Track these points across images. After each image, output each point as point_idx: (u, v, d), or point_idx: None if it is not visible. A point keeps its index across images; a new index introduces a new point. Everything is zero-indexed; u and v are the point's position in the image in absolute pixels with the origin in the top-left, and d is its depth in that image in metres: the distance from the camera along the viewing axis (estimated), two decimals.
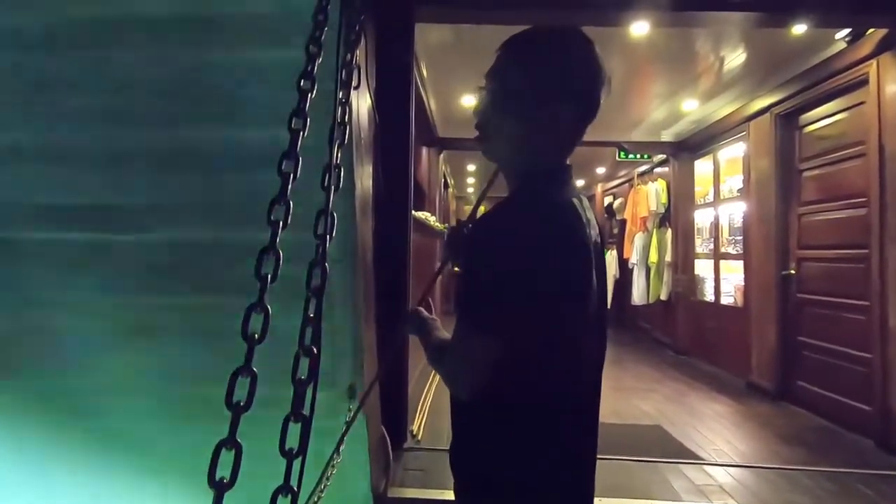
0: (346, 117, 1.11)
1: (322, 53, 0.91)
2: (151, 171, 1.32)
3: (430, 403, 3.08)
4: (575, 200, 0.80)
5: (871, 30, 2.48)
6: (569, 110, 0.79)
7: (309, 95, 0.85)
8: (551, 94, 0.77)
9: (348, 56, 1.16)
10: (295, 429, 0.78)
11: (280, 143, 0.85)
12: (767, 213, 3.52)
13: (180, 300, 1.42)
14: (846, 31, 2.52)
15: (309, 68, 0.87)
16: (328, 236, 0.96)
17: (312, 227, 0.94)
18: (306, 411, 0.81)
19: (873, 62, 2.55)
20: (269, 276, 0.72)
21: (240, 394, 0.64)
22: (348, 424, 1.13)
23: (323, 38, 0.92)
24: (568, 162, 0.85)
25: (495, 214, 0.76)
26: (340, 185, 1.03)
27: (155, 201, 1.35)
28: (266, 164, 0.89)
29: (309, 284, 0.89)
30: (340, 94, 1.11)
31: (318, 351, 0.87)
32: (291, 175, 0.79)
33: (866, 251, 2.68)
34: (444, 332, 0.93)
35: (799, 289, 3.30)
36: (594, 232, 0.81)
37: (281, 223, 0.75)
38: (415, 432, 2.49)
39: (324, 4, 0.92)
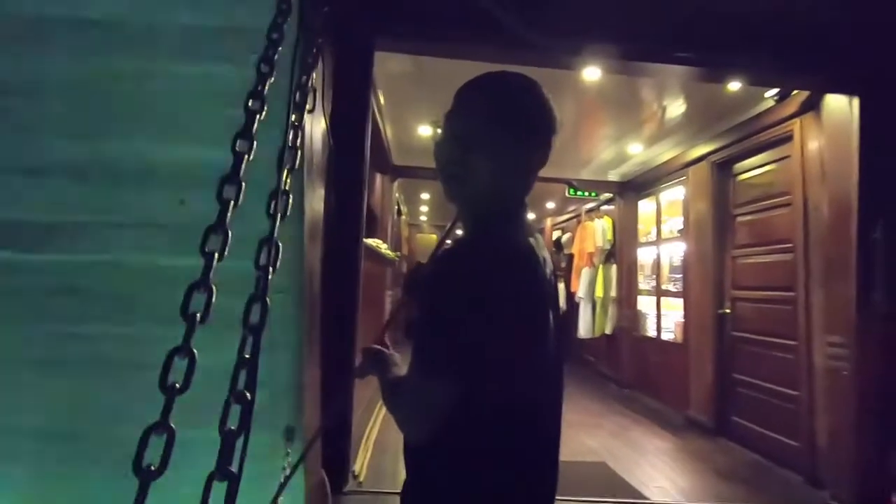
0: (298, 141, 1.06)
1: (274, 73, 0.86)
2: (68, 184, 1.20)
3: (375, 439, 2.94)
4: (531, 240, 0.81)
5: (795, 91, 2.71)
6: (532, 151, 0.81)
7: (258, 117, 0.79)
8: (517, 135, 0.79)
9: (303, 78, 1.11)
10: (221, 486, 0.69)
11: (221, 166, 0.79)
12: (705, 253, 3.70)
13: (91, 329, 1.27)
14: (775, 90, 2.75)
15: (259, 88, 0.81)
16: (271, 268, 0.88)
17: (254, 255, 0.87)
18: (235, 467, 0.72)
19: (797, 120, 2.78)
20: (199, 315, 0.63)
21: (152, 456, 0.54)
22: (286, 478, 1.02)
23: (276, 57, 0.86)
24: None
25: (455, 256, 0.75)
26: (288, 213, 0.96)
27: (67, 218, 1.22)
28: (202, 186, 0.82)
29: (246, 321, 0.81)
30: (293, 116, 1.05)
31: (253, 398, 0.78)
32: (232, 202, 0.72)
33: (793, 293, 2.86)
34: (402, 367, 0.89)
35: (734, 327, 3.46)
36: (549, 269, 0.83)
37: (216, 255, 0.68)
38: (357, 473, 2.35)
39: (279, 23, 0.87)
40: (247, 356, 0.80)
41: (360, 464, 2.46)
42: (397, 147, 4.76)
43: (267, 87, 0.83)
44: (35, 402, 1.39)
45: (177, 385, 0.59)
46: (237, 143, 0.74)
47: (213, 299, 0.68)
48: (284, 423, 1.48)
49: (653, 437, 3.61)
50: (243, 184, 0.72)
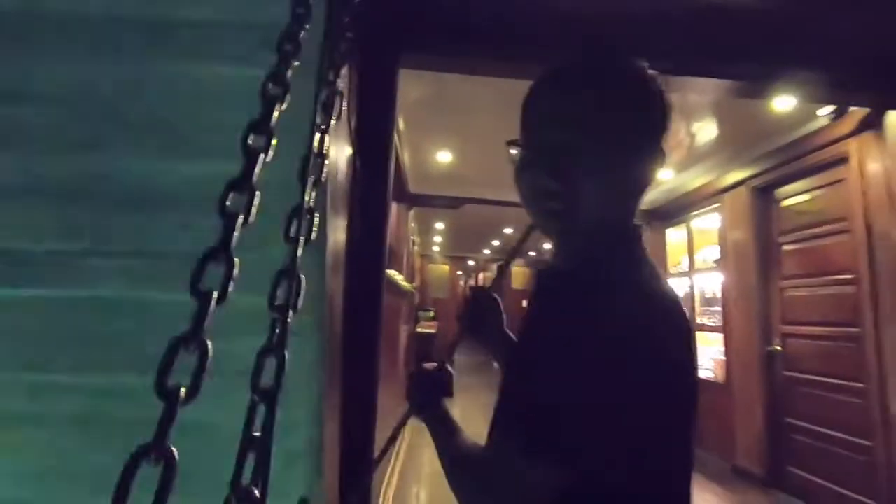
0: (325, 148, 0.85)
1: (300, 56, 0.67)
2: (46, 207, 1.01)
3: (400, 470, 2.64)
4: (663, 281, 0.62)
5: (852, 108, 2.51)
6: (653, 158, 0.64)
7: (278, 105, 0.59)
8: (638, 140, 0.61)
9: (331, 74, 0.92)
10: None
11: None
12: (748, 285, 3.43)
13: (72, 379, 1.05)
14: (830, 108, 2.54)
15: (281, 70, 0.61)
16: (291, 309, 0.67)
17: (267, 288, 0.66)
18: None
19: (853, 140, 2.57)
20: (185, 391, 0.41)
21: None
22: None
23: (302, 35, 0.67)
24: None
25: (569, 296, 0.53)
26: (313, 235, 0.75)
27: (44, 247, 1.02)
28: (209, 208, 0.61)
29: (256, 384, 0.58)
30: (318, 118, 0.85)
31: (264, 495, 0.55)
32: (242, 217, 0.50)
33: (858, 330, 2.58)
34: (465, 434, 0.72)
35: (786, 366, 3.16)
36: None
37: (217, 293, 0.46)
38: None
39: None
40: (256, 433, 0.58)
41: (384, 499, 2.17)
42: (414, 174, 4.61)
43: (290, 70, 0.62)
44: (2, 466, 1.16)
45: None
46: (250, 138, 0.53)
47: (209, 355, 0.46)
48: (298, 492, 1.23)
49: (699, 490, 3.26)
50: (257, 193, 0.51)
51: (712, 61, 2.16)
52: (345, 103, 1.14)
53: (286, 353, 0.63)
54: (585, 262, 0.59)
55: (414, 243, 7.66)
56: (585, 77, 0.61)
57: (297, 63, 0.66)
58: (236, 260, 0.49)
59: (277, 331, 0.66)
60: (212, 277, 0.48)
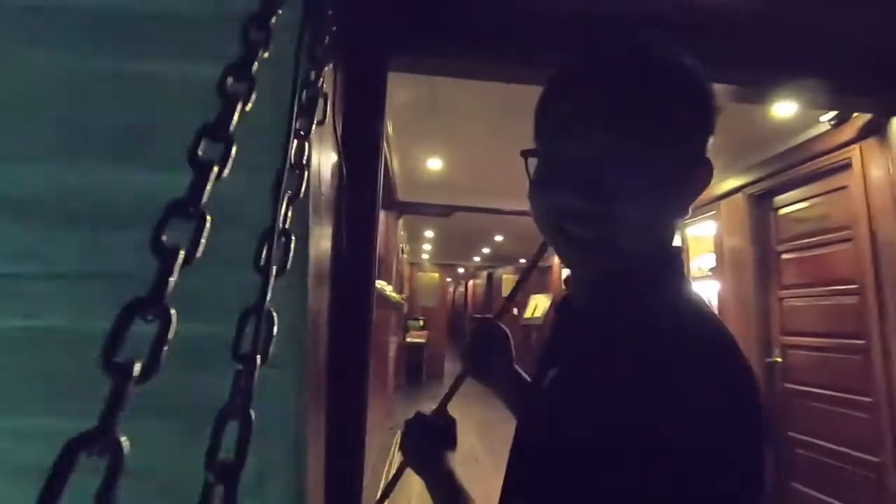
0: (304, 159, 0.73)
1: (271, 45, 0.54)
2: None
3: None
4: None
5: (855, 114, 2.45)
6: (701, 163, 0.53)
7: (240, 106, 0.46)
8: (695, 139, 0.51)
9: (312, 74, 0.79)
10: None
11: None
12: (745, 294, 3.36)
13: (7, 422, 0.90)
14: (832, 114, 2.48)
15: (246, 61, 0.49)
16: (260, 356, 0.54)
17: (229, 319, 0.54)
18: None
19: (856, 147, 2.50)
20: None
21: None
22: None
23: (273, 21, 0.55)
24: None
25: (615, 353, 0.41)
26: (288, 265, 0.62)
27: None
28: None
29: (212, 463, 0.46)
30: (297, 123, 0.73)
31: None
32: (183, 251, 0.38)
33: (863, 342, 2.50)
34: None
35: (786, 378, 3.08)
36: None
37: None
38: None
39: None
40: None
41: None
42: (404, 182, 4.49)
43: (258, 62, 0.50)
44: None
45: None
46: (200, 146, 0.41)
47: (173, 325, 0.35)
48: None
49: None
50: (206, 215, 0.39)
51: (711, 65, 2.09)
52: (329, 106, 1.02)
53: (251, 415, 0.50)
54: (638, 306, 0.47)
55: (403, 251, 7.53)
56: (626, 67, 0.49)
57: (266, 55, 0.54)
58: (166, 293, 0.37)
59: (242, 385, 0.53)
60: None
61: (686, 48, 0.54)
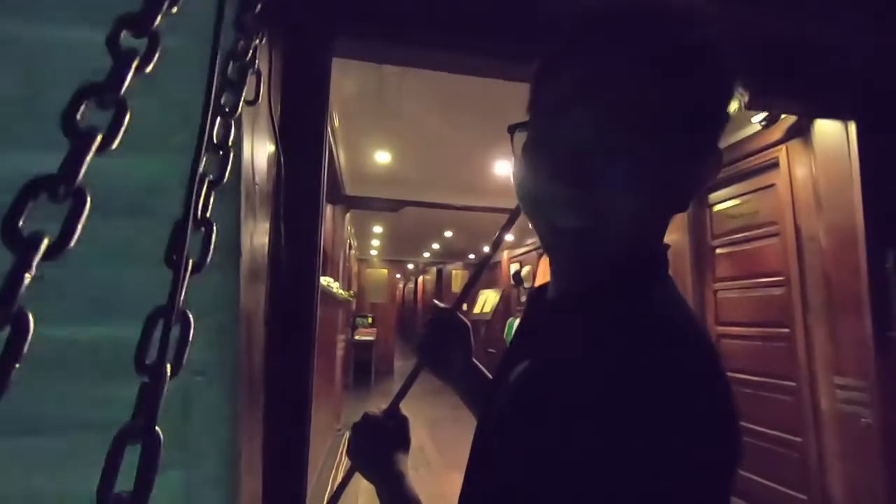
0: (228, 140, 0.64)
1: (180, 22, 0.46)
2: None
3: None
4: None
5: (783, 116, 2.59)
6: (716, 147, 0.49)
7: (135, 65, 0.38)
8: (709, 120, 0.46)
9: (240, 44, 0.71)
10: None
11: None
12: (683, 287, 3.51)
13: None
14: (763, 114, 2.62)
15: (146, 14, 0.41)
16: (170, 364, 0.46)
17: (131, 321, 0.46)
18: None
19: (783, 147, 2.66)
20: None
21: None
22: None
23: None
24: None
25: (592, 349, 0.38)
26: (208, 259, 0.54)
27: None
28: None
29: (106, 488, 0.38)
30: (223, 98, 0.64)
31: None
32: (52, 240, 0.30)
33: (787, 330, 2.67)
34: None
35: None
36: None
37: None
38: None
39: None
40: None
41: None
42: (350, 175, 4.36)
43: (162, 17, 0.42)
44: None
45: None
46: (72, 114, 0.33)
47: None
48: None
49: None
50: (86, 195, 0.31)
51: None
52: (263, 85, 0.93)
53: (158, 436, 0.43)
54: (625, 302, 0.44)
55: (351, 247, 7.36)
56: (637, 35, 0.43)
57: (175, 10, 0.45)
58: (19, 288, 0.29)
59: (147, 395, 0.45)
60: None
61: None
